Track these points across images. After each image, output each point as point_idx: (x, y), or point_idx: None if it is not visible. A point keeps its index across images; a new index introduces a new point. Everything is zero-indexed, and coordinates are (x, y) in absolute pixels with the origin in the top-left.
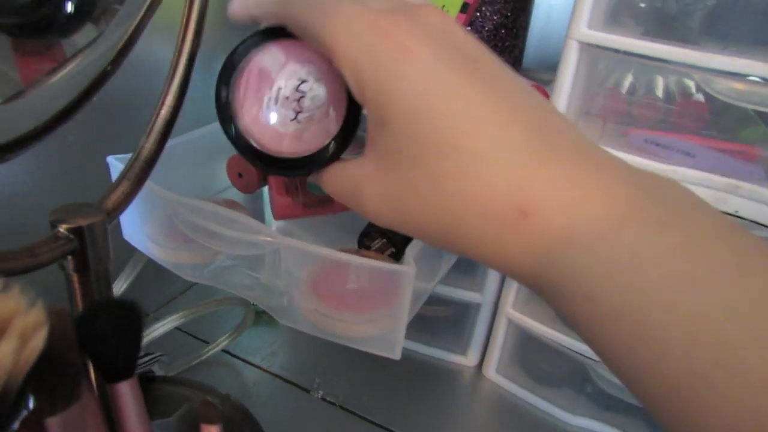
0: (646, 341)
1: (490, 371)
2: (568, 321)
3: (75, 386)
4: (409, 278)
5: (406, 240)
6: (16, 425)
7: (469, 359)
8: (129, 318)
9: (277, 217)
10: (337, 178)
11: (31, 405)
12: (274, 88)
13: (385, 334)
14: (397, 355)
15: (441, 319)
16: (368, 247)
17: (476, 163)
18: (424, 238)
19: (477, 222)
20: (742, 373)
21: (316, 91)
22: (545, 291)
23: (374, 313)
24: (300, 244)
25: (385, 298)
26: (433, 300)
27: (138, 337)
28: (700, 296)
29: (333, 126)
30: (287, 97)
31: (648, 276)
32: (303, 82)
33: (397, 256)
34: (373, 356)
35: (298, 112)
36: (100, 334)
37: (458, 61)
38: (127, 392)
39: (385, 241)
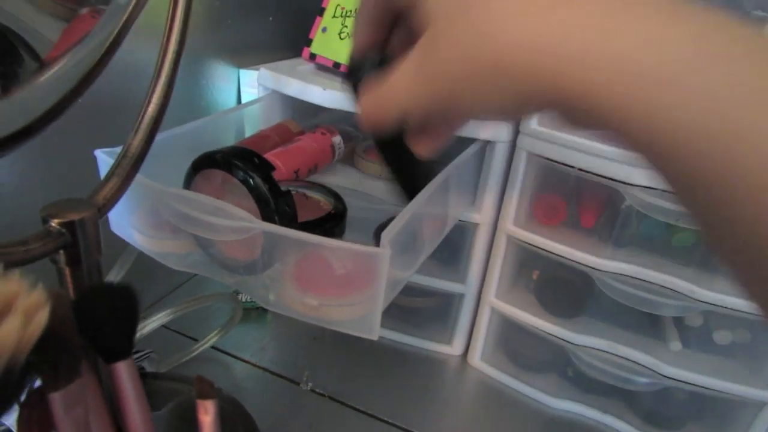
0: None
1: (475, 359)
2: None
3: (76, 364)
4: (385, 259)
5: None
6: (21, 399)
7: (454, 348)
8: (125, 301)
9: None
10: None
11: (36, 382)
12: None
13: (363, 315)
14: (375, 336)
15: (426, 310)
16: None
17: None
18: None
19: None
20: None
21: None
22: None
23: (354, 297)
24: (280, 230)
25: (363, 281)
26: (418, 291)
27: (134, 320)
28: None
29: None
30: None
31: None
32: None
33: None
34: (361, 348)
35: None
36: (97, 317)
37: None
38: (124, 371)
39: None
